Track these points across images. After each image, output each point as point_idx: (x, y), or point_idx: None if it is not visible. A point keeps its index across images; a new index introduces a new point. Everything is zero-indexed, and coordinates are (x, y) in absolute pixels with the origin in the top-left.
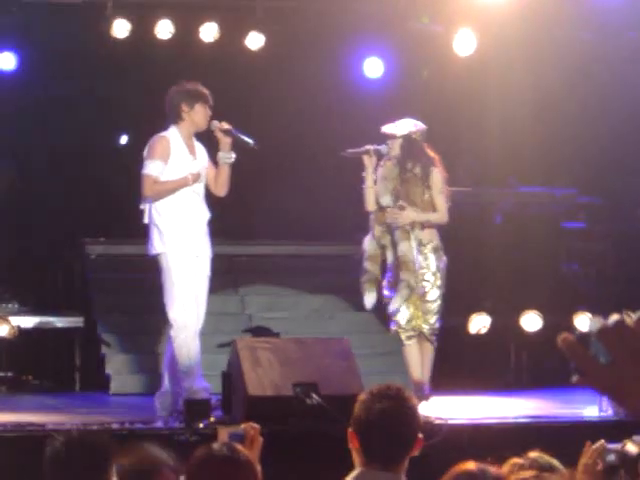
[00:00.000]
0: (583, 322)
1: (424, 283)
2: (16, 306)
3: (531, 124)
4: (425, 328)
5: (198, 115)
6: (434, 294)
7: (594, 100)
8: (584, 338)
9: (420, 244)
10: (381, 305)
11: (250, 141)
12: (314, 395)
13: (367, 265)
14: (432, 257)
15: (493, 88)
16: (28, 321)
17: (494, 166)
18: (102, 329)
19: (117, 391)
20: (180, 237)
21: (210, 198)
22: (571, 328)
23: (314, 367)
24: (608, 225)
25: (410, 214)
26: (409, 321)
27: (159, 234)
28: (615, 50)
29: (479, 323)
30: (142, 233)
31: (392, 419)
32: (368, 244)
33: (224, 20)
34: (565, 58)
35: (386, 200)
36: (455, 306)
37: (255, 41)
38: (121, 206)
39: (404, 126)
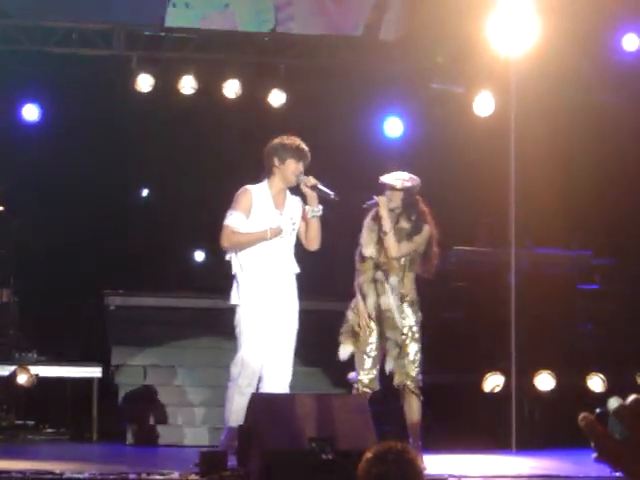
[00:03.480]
0: (596, 383)
1: (402, 337)
2: (35, 355)
3: (548, 185)
4: (408, 382)
5: (288, 170)
6: (414, 348)
7: (610, 162)
8: (603, 416)
9: (400, 298)
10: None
11: (331, 193)
12: (330, 450)
13: (348, 314)
14: (409, 310)
15: (512, 149)
16: (47, 370)
17: (511, 227)
18: (120, 380)
19: (134, 442)
20: (256, 291)
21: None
22: (584, 389)
23: (331, 422)
24: (621, 286)
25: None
26: (366, 376)
27: (237, 286)
28: (633, 113)
29: (493, 382)
30: (161, 285)
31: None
32: (356, 297)
33: (247, 77)
34: (583, 120)
35: (369, 251)
36: (470, 365)
37: (277, 98)
38: (141, 259)
39: (404, 179)
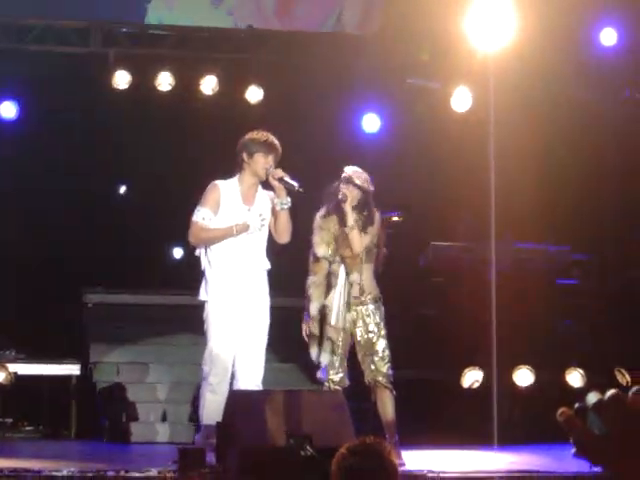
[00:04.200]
0: (575, 378)
1: (370, 335)
2: (13, 353)
3: (526, 180)
4: (379, 378)
5: (257, 165)
6: (382, 344)
7: (589, 156)
8: (582, 411)
9: (363, 295)
10: None
11: (296, 185)
12: (308, 447)
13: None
14: (372, 307)
15: (490, 144)
16: (25, 368)
17: (491, 222)
18: (98, 377)
19: (112, 439)
20: (224, 287)
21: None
22: (563, 384)
23: (308, 419)
24: (600, 281)
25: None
26: (335, 373)
27: (205, 282)
28: (612, 107)
29: (472, 377)
30: (140, 283)
31: (362, 476)
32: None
33: (224, 73)
34: (561, 115)
35: (322, 251)
36: (449, 360)
37: (254, 95)
38: (119, 255)
39: (365, 176)
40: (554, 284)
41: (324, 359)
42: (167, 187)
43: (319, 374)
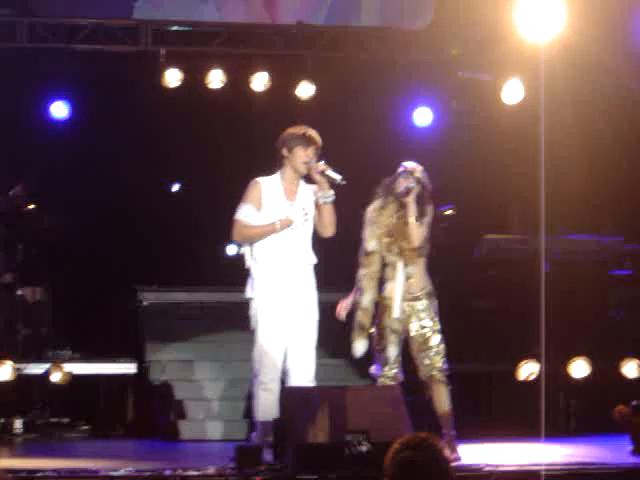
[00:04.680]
0: (631, 368)
1: (424, 330)
2: (69, 353)
3: (578, 172)
4: (434, 372)
5: (297, 158)
6: (436, 339)
7: (639, 148)
8: (638, 408)
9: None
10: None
11: (338, 177)
12: (365, 442)
13: (355, 312)
14: (426, 302)
15: (541, 136)
16: (81, 368)
17: (544, 214)
18: (153, 375)
19: (168, 437)
20: (270, 284)
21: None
22: (619, 375)
23: (365, 415)
24: None
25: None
26: (390, 369)
27: (251, 280)
28: None
29: (528, 370)
30: (194, 280)
31: (415, 469)
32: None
33: (275, 70)
34: (612, 106)
35: (372, 245)
36: (504, 353)
37: (306, 90)
38: (174, 254)
39: (420, 170)
40: (607, 275)
41: (392, 352)
42: (219, 184)
43: (373, 369)
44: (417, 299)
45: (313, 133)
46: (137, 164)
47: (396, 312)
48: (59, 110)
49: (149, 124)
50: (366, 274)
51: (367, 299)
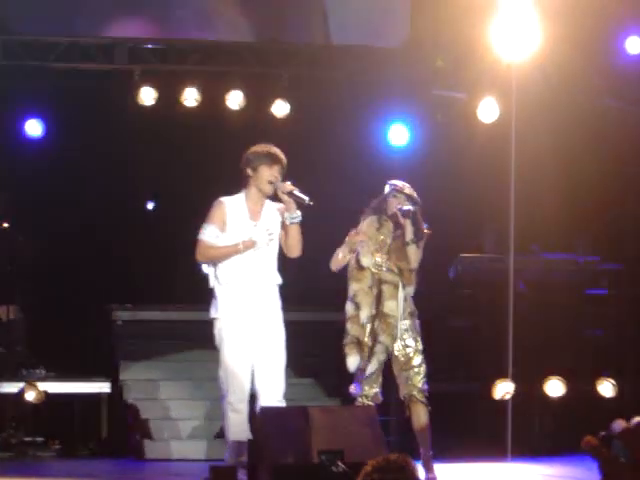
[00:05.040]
0: (607, 388)
1: (407, 350)
2: (43, 372)
3: (554, 190)
4: (415, 393)
5: (262, 178)
6: (418, 359)
7: (615, 166)
8: (607, 439)
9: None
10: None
11: (305, 198)
12: (340, 463)
13: (347, 326)
14: (409, 322)
15: (516, 155)
16: (55, 386)
17: (517, 233)
18: (128, 394)
19: (143, 456)
20: (233, 305)
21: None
22: (594, 394)
23: (340, 435)
24: (629, 290)
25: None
26: (370, 389)
27: (214, 300)
28: (637, 116)
29: (503, 389)
30: (168, 299)
31: None
32: (347, 305)
33: (250, 88)
34: (587, 124)
35: (367, 261)
36: (478, 372)
37: (281, 109)
38: (148, 272)
39: (410, 187)
40: (583, 294)
41: (376, 371)
42: (193, 203)
43: (352, 388)
44: (401, 319)
45: (278, 151)
46: (112, 182)
47: (408, 333)
48: (33, 128)
49: (124, 142)
50: (360, 289)
51: (365, 314)
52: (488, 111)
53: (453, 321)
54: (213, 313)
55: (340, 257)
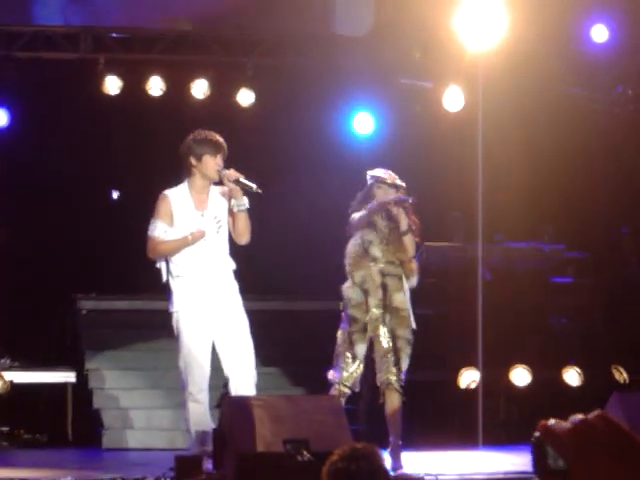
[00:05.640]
0: (572, 376)
1: (411, 337)
2: (8, 361)
3: (519, 179)
4: (393, 379)
5: (207, 167)
6: (407, 350)
7: (580, 154)
8: (538, 443)
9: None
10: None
11: (253, 186)
12: (305, 452)
13: (354, 313)
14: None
15: (481, 143)
16: (20, 376)
17: (483, 222)
18: (94, 384)
19: (109, 446)
20: (188, 296)
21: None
22: (560, 383)
23: (305, 424)
24: (595, 279)
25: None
26: (349, 376)
27: (170, 294)
28: (603, 105)
29: (468, 378)
30: (133, 288)
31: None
32: (350, 292)
33: (215, 77)
34: (553, 113)
35: (376, 251)
36: (445, 361)
37: (246, 97)
38: (112, 262)
39: (395, 176)
40: (549, 282)
41: (405, 364)
42: (158, 192)
43: (331, 374)
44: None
45: (219, 138)
46: (76, 171)
47: (413, 323)
48: None
49: (89, 132)
50: (368, 275)
51: (373, 302)
52: (453, 100)
53: (419, 309)
54: (170, 307)
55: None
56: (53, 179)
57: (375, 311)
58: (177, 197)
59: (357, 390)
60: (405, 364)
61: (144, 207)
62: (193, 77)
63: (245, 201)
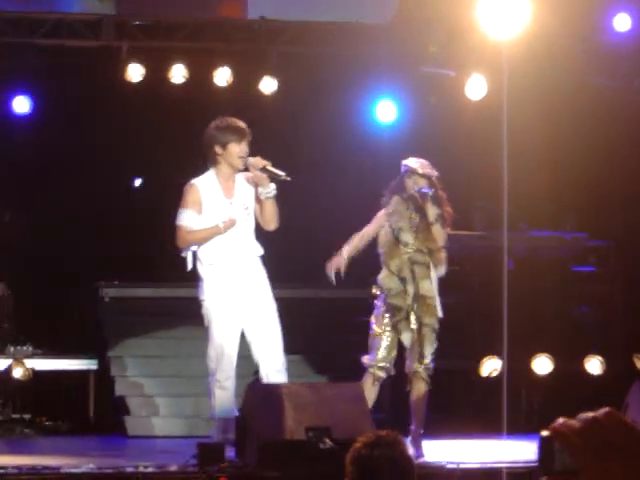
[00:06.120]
0: (594, 365)
1: (437, 325)
2: (30, 349)
3: (541, 168)
4: (420, 369)
5: (232, 155)
6: (432, 338)
7: (603, 144)
8: (547, 442)
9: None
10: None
11: (282, 174)
12: (327, 440)
13: (396, 302)
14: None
15: (504, 132)
16: (43, 363)
17: (506, 211)
18: (116, 371)
19: (131, 433)
20: (219, 283)
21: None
22: (582, 371)
23: (327, 412)
24: (617, 268)
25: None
26: (384, 359)
27: (201, 282)
28: (626, 94)
29: (491, 366)
30: (155, 276)
31: (374, 467)
32: (389, 281)
33: (237, 65)
34: (575, 103)
35: (406, 236)
36: (467, 350)
37: (268, 86)
38: (135, 249)
39: (428, 165)
40: (571, 271)
41: (429, 352)
42: (180, 181)
43: (367, 358)
44: None
45: (243, 125)
46: (99, 159)
47: (440, 312)
48: (21, 105)
49: (112, 120)
50: (403, 264)
51: (411, 289)
52: (476, 88)
53: (442, 298)
54: (200, 294)
55: (369, 231)
56: (75, 167)
57: (410, 299)
58: (205, 186)
59: (392, 374)
60: (429, 352)
61: (166, 194)
62: (216, 65)
63: (272, 188)
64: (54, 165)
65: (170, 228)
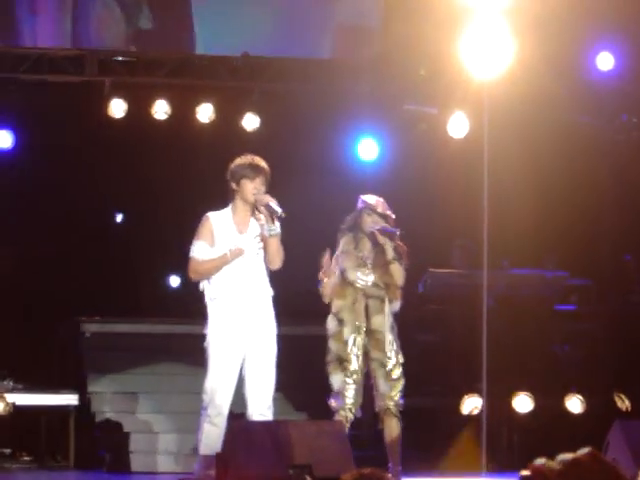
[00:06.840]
0: (574, 404)
1: (388, 360)
2: (11, 384)
3: (522, 206)
4: (391, 405)
5: (245, 191)
6: (397, 372)
7: (585, 182)
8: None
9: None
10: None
11: (278, 210)
12: (308, 477)
13: (330, 344)
14: (391, 336)
15: (485, 170)
16: (23, 398)
17: (486, 248)
18: (96, 407)
19: (112, 469)
20: (225, 319)
21: None
22: (562, 410)
23: (308, 449)
24: (598, 306)
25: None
26: (354, 404)
27: (206, 316)
28: (608, 132)
29: (471, 404)
30: (137, 312)
31: None
32: (329, 322)
33: (220, 101)
34: (558, 141)
35: (353, 276)
36: (447, 387)
37: (251, 122)
38: (116, 285)
39: (384, 203)
40: (552, 310)
41: (387, 386)
42: (163, 216)
43: (333, 402)
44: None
45: (259, 162)
46: (80, 194)
47: (388, 346)
48: (3, 140)
49: (94, 155)
50: (345, 305)
51: (348, 331)
52: (458, 126)
53: (423, 335)
54: (204, 328)
55: (328, 282)
56: (57, 201)
57: (351, 341)
58: (219, 219)
59: (359, 416)
60: (387, 387)
61: (148, 229)
62: (198, 101)
63: (276, 226)
64: (36, 200)
65: (150, 263)
